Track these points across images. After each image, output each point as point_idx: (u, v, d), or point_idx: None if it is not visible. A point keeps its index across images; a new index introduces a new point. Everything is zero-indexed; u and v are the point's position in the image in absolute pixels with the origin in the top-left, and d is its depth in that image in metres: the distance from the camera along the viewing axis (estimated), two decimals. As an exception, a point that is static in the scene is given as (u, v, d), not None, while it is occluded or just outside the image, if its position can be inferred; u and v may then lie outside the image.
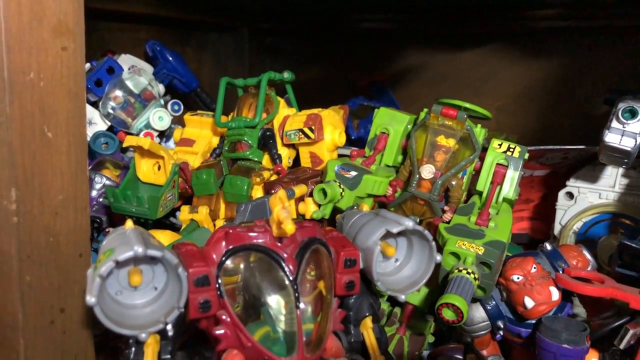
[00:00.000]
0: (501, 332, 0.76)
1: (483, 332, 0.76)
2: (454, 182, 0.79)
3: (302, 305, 0.48)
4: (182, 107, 1.08)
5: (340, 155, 0.90)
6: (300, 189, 0.76)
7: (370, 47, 1.26)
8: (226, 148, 0.86)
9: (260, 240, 0.48)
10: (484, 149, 0.78)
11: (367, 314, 0.55)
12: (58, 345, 0.56)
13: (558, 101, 1.09)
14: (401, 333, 0.80)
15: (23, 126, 0.51)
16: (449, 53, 1.22)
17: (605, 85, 0.96)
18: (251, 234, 0.49)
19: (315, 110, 0.86)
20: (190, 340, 0.54)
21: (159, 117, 1.01)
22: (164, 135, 1.06)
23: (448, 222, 0.75)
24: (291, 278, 0.48)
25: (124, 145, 0.76)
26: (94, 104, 0.99)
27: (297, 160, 0.89)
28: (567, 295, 0.74)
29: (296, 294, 0.47)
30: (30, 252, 0.53)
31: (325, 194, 0.75)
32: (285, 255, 0.48)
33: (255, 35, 1.34)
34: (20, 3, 0.49)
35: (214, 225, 0.79)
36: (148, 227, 0.78)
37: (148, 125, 1.01)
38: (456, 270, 0.67)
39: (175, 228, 0.84)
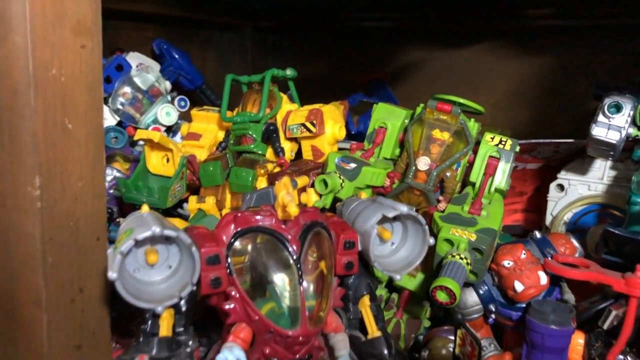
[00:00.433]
0: (493, 316, 0.80)
1: (476, 316, 0.80)
2: (448, 174, 0.83)
3: (305, 283, 0.52)
4: (188, 103, 1.12)
5: (340, 149, 0.94)
6: (302, 180, 0.80)
7: (370, 45, 1.30)
8: (231, 141, 0.90)
9: (266, 223, 0.53)
10: (477, 142, 0.83)
11: (365, 293, 0.59)
12: (77, 322, 0.60)
13: (550, 97, 1.13)
14: (398, 317, 0.85)
15: (46, 118, 0.55)
16: (446, 51, 1.25)
17: (597, 82, 0.99)
18: (258, 217, 0.53)
19: (316, 106, 0.89)
20: (199, 323, 0.58)
21: (166, 112, 1.05)
22: (171, 130, 1.10)
23: (442, 211, 0.79)
24: (295, 257, 0.52)
25: (135, 138, 0.80)
26: (104, 100, 1.02)
27: (299, 154, 0.93)
28: (555, 281, 0.78)
29: (299, 272, 0.52)
30: (52, 235, 0.57)
31: (326, 184, 0.79)
32: (289, 236, 0.52)
33: (257, 34, 1.38)
34: (44, 4, 0.53)
35: (221, 214, 0.83)
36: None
37: (156, 121, 1.05)
38: (450, 256, 0.71)
39: (183, 218, 0.88)
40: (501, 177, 0.81)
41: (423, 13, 1.19)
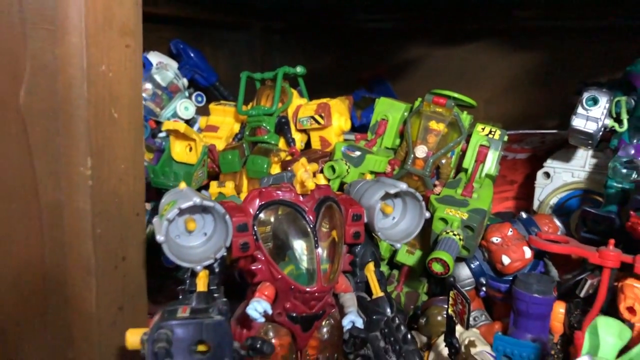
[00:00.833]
0: (484, 289, 0.89)
1: (468, 288, 0.89)
2: (443, 161, 0.92)
3: (319, 249, 0.61)
4: (204, 98, 1.21)
5: (345, 139, 1.03)
6: (312, 167, 0.89)
7: (372, 44, 1.38)
8: (247, 133, 0.98)
9: (286, 197, 0.62)
10: (470, 133, 0.92)
11: (370, 260, 0.68)
12: (120, 286, 0.69)
13: (538, 92, 1.22)
14: (398, 290, 0.94)
15: (97, 108, 0.64)
16: (443, 49, 1.34)
17: (580, 79, 1.08)
18: (279, 192, 0.62)
19: (324, 100, 0.98)
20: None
21: (185, 107, 1.14)
22: (188, 123, 1.19)
23: (438, 194, 0.88)
24: (311, 226, 0.61)
25: (163, 129, 0.89)
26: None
27: (308, 144, 1.02)
28: (539, 256, 0.87)
29: (315, 239, 0.61)
30: (100, 209, 0.66)
31: (334, 170, 0.88)
32: (306, 208, 0.61)
33: (266, 33, 1.46)
34: (96, 10, 0.62)
35: (239, 197, 0.92)
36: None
37: (175, 115, 1.14)
38: (444, 233, 0.80)
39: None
40: (491, 163, 0.89)
41: (421, 14, 1.27)
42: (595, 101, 0.87)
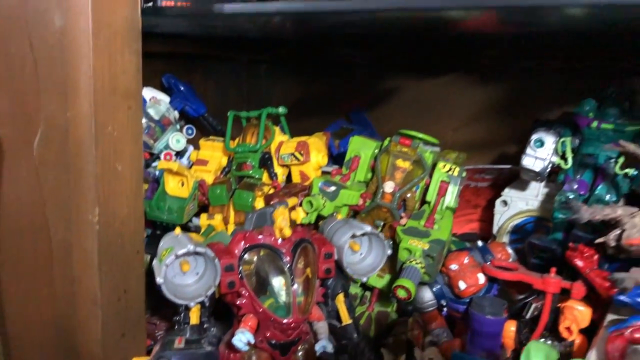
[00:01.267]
0: (445, 309, 1.00)
1: (431, 309, 1.00)
2: (409, 195, 1.02)
3: (295, 285, 0.72)
4: (194, 130, 1.31)
5: (323, 172, 1.13)
6: (292, 201, 0.99)
7: (352, 77, 1.48)
8: (234, 167, 1.09)
9: (267, 241, 0.72)
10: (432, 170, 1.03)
11: (340, 291, 0.79)
12: (122, 316, 0.79)
13: (501, 124, 1.33)
14: (370, 310, 1.04)
15: (103, 163, 0.74)
16: (416, 83, 1.43)
17: (538, 114, 1.19)
18: (260, 236, 0.73)
19: (303, 138, 1.09)
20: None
21: (176, 139, 1.24)
22: (180, 154, 1.29)
23: (404, 225, 0.98)
24: (288, 266, 0.71)
25: (158, 168, 0.99)
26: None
27: (289, 177, 1.12)
28: (493, 280, 0.98)
29: (292, 276, 0.71)
30: (105, 249, 0.76)
31: (311, 204, 0.98)
32: (284, 250, 0.72)
33: (252, 65, 1.56)
34: (104, 80, 0.72)
35: (227, 228, 1.02)
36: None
37: (167, 147, 1.23)
38: (408, 262, 0.91)
39: (195, 231, 1.07)
40: (450, 197, 1.00)
41: (397, 51, 1.37)
42: (542, 142, 0.98)
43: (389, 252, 0.80)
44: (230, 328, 0.75)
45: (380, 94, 1.45)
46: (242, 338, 0.66)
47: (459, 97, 1.38)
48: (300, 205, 1.00)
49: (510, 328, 0.93)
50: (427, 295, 0.99)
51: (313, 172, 1.08)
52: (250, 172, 1.06)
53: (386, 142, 1.05)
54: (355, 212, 1.05)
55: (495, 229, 1.16)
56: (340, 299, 0.78)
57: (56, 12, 0.70)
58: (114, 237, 0.76)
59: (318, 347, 0.71)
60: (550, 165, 1.00)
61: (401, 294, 0.87)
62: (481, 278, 0.93)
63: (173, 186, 1.02)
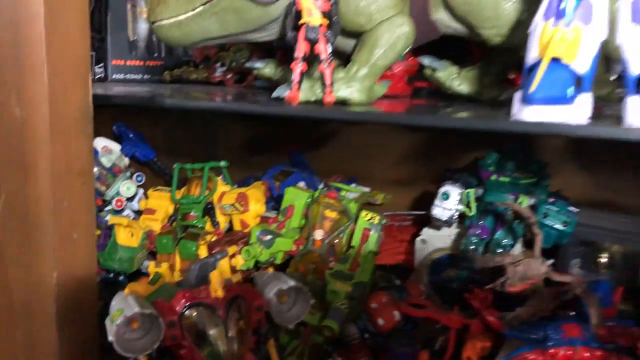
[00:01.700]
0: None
1: (356, 341, 1.14)
2: (336, 241, 1.16)
3: (230, 334, 0.84)
4: (144, 178, 1.41)
5: (263, 217, 1.26)
6: (232, 249, 1.12)
7: (292, 124, 1.62)
8: (179, 217, 1.20)
9: (205, 298, 0.85)
10: (357, 218, 1.17)
11: (270, 337, 0.92)
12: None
13: (422, 166, 1.48)
14: (303, 345, 1.18)
15: (62, 235, 0.83)
16: (350, 129, 1.58)
17: (451, 162, 1.33)
18: (199, 295, 0.85)
19: (242, 190, 1.22)
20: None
21: (127, 187, 1.34)
22: (131, 199, 1.39)
23: (332, 269, 1.12)
24: (223, 319, 0.84)
25: (109, 222, 1.10)
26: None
27: (231, 225, 1.25)
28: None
29: (227, 328, 0.84)
30: (64, 308, 0.87)
31: (249, 253, 1.11)
32: (219, 307, 0.85)
33: (199, 113, 1.67)
34: (60, 162, 0.83)
35: (173, 275, 1.13)
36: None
37: (118, 194, 1.34)
38: (334, 302, 1.06)
39: (144, 274, 1.17)
40: (372, 243, 1.15)
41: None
42: (447, 195, 1.13)
43: (312, 301, 0.93)
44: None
45: (317, 140, 1.57)
46: (184, 384, 0.78)
47: (389, 141, 1.52)
48: (240, 252, 1.12)
49: (424, 358, 1.08)
50: (353, 329, 1.13)
51: (252, 220, 1.21)
52: (194, 222, 1.18)
53: (317, 193, 1.18)
54: (290, 257, 1.18)
55: (416, 264, 1.31)
56: (271, 344, 0.91)
57: (16, 104, 0.80)
58: (71, 295, 0.87)
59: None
60: (457, 214, 1.15)
61: (327, 332, 1.01)
62: (397, 315, 1.07)
63: (124, 237, 1.13)
